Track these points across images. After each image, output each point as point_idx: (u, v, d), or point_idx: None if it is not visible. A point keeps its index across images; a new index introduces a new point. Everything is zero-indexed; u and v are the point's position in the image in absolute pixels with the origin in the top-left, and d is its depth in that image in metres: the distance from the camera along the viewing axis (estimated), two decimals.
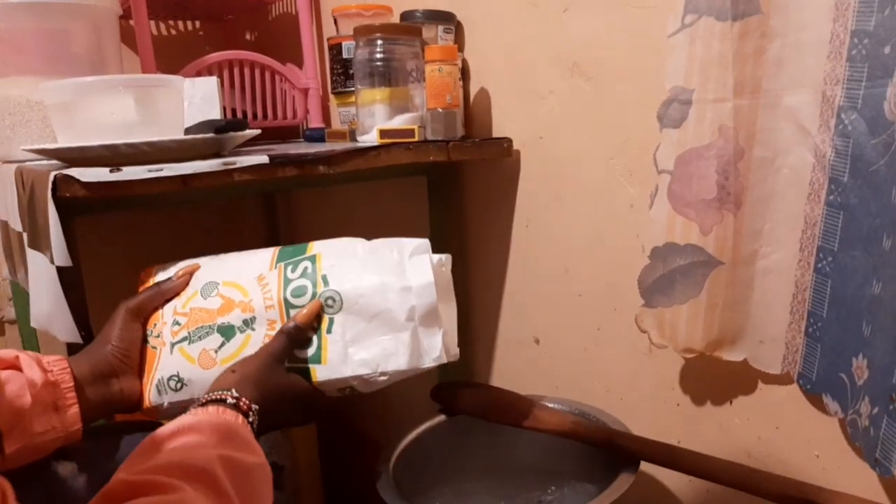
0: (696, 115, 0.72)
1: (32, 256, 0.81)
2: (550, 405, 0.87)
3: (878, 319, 0.60)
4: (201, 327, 0.69)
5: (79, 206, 0.77)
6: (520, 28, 0.99)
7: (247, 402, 0.59)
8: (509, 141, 1.01)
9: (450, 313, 0.74)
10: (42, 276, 0.77)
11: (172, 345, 0.70)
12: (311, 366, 0.68)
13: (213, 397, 0.59)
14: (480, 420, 0.86)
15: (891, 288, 0.58)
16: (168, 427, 0.53)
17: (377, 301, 0.68)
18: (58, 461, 0.66)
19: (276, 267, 0.71)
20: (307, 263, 0.70)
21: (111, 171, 0.73)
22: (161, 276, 0.75)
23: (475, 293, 1.18)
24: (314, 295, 0.68)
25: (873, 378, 0.61)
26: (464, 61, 1.08)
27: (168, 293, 0.73)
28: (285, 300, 0.68)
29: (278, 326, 0.68)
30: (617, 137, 0.88)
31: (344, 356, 0.67)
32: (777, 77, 0.68)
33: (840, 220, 0.66)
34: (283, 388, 0.65)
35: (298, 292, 0.69)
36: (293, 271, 0.70)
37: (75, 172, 0.71)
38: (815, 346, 0.71)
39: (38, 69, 1.06)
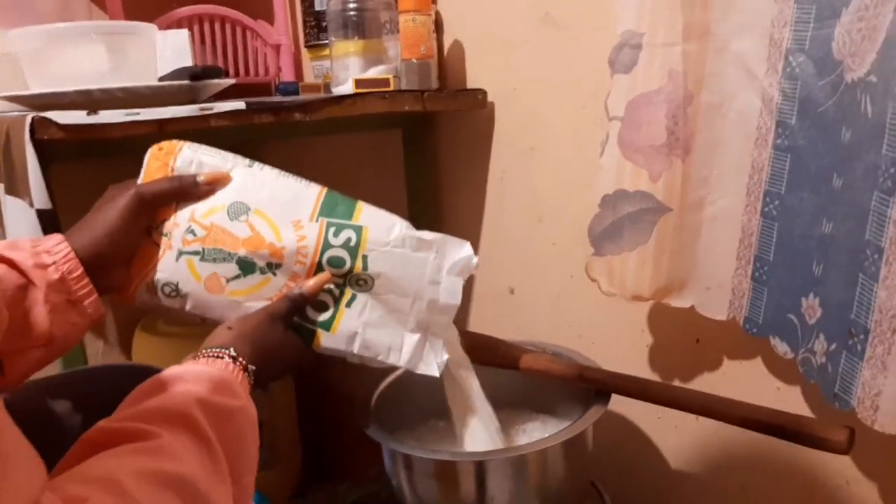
0: (646, 60, 0.73)
1: (10, 204, 0.80)
2: (527, 347, 0.89)
3: (831, 257, 0.63)
4: (220, 250, 0.65)
5: (55, 152, 0.76)
6: None
7: (244, 361, 0.58)
8: (483, 92, 1.02)
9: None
10: (20, 221, 0.77)
11: (181, 252, 0.66)
12: (319, 329, 0.68)
13: (210, 354, 0.58)
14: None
15: (844, 226, 0.61)
16: (155, 377, 0.53)
17: (403, 302, 0.69)
18: (54, 399, 0.66)
19: (317, 220, 0.67)
20: (351, 234, 0.67)
21: (88, 115, 0.73)
22: (182, 166, 0.67)
23: None
24: (351, 270, 0.67)
25: (828, 315, 0.64)
26: (437, 13, 1.08)
27: (189, 195, 0.66)
28: (319, 264, 0.67)
29: (300, 283, 0.66)
30: (589, 86, 0.90)
31: (353, 334, 0.68)
32: (725, 21, 0.69)
33: (787, 163, 0.67)
34: (278, 346, 0.64)
35: (336, 263, 0.67)
36: (335, 236, 0.67)
37: (53, 115, 0.71)
38: (762, 289, 0.73)
39: (3, 20, 1.04)
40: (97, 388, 0.67)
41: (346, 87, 1.01)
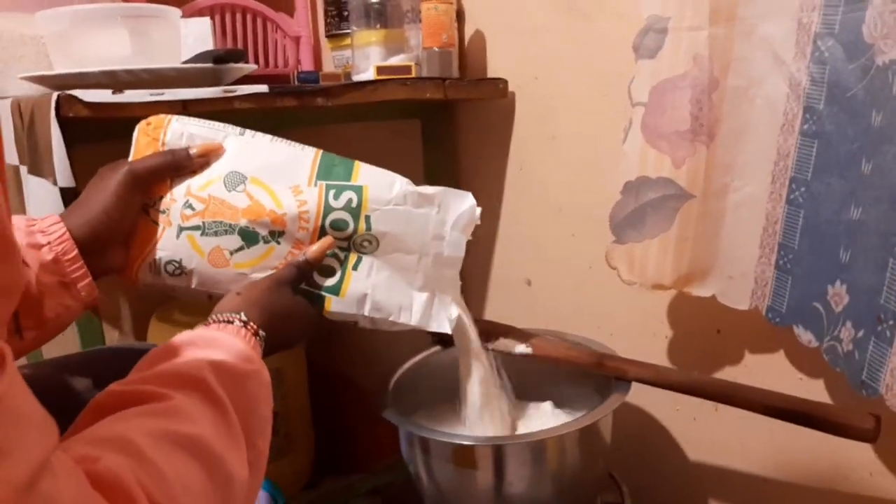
0: (672, 45, 0.72)
1: (33, 184, 0.81)
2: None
3: (860, 243, 0.62)
4: (220, 222, 0.65)
5: (79, 133, 0.77)
6: None
7: (254, 326, 0.58)
8: (504, 81, 1.02)
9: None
10: (44, 201, 0.78)
11: (181, 228, 0.65)
12: (327, 295, 0.67)
13: (220, 318, 0.57)
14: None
15: (873, 210, 0.60)
16: (167, 343, 0.53)
17: (409, 259, 0.69)
18: (73, 376, 0.65)
19: (316, 183, 0.66)
20: (352, 195, 0.66)
21: (113, 93, 0.73)
22: (172, 140, 0.66)
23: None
24: (354, 232, 0.67)
25: (855, 302, 0.63)
26: (458, 2, 1.08)
27: (183, 169, 0.65)
28: (322, 228, 0.66)
29: (305, 249, 0.66)
30: (611, 73, 0.90)
31: (363, 296, 0.68)
32: (753, 4, 0.69)
33: (814, 149, 0.67)
34: (288, 311, 0.63)
35: (339, 225, 0.66)
36: (336, 198, 0.66)
37: (79, 93, 0.72)
38: (786, 278, 0.72)
39: (27, 4, 1.05)
40: (114, 368, 0.67)
41: (367, 75, 1.01)
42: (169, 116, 0.68)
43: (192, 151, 0.65)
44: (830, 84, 0.64)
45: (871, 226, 0.60)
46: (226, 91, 0.79)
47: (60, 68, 0.88)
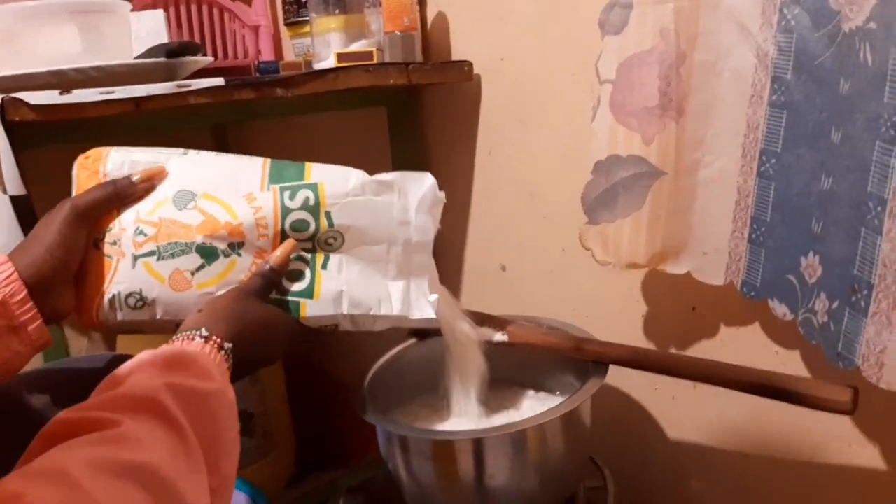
0: (638, 19, 0.71)
1: None
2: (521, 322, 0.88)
3: (832, 213, 0.61)
4: (175, 243, 0.62)
5: (27, 137, 0.74)
6: None
7: (218, 339, 0.55)
8: (469, 64, 1.00)
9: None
10: None
11: (136, 257, 0.63)
12: (301, 300, 0.65)
13: (182, 338, 0.55)
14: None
15: (844, 180, 0.59)
16: (125, 364, 0.50)
17: (378, 250, 0.68)
18: (31, 393, 0.63)
19: (268, 188, 0.65)
20: (308, 193, 0.65)
21: (61, 94, 0.70)
22: (114, 170, 0.64)
23: (440, 222, 1.18)
24: (317, 230, 0.65)
25: (829, 273, 0.63)
26: None
27: (127, 198, 0.63)
28: (282, 232, 0.64)
29: (268, 257, 0.64)
30: (578, 52, 0.88)
31: (338, 294, 0.65)
32: None
33: (783, 120, 0.66)
34: (259, 322, 0.61)
35: (299, 226, 0.64)
36: (292, 198, 0.64)
37: (24, 95, 0.68)
38: (759, 251, 0.72)
39: None
40: (79, 380, 0.64)
41: (328, 63, 0.98)
42: (108, 148, 0.66)
43: (135, 178, 0.63)
44: (798, 53, 0.63)
45: (843, 195, 0.60)
46: (179, 86, 0.77)
47: (6, 69, 0.84)
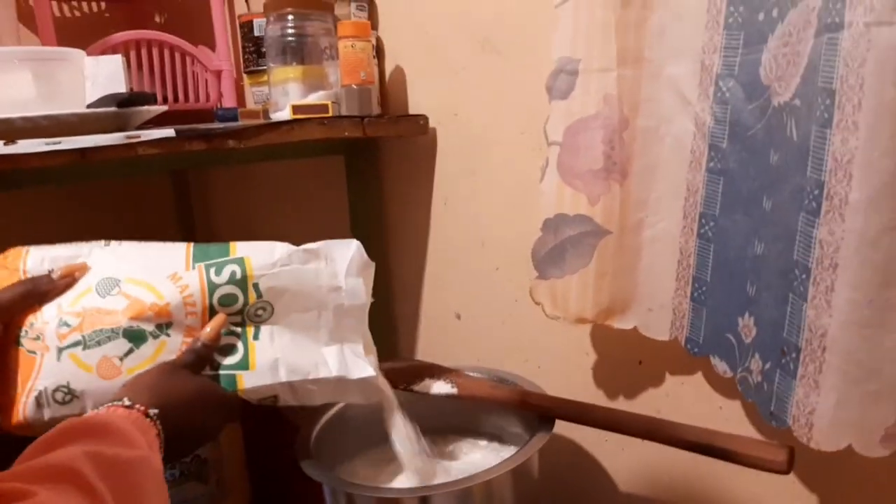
0: (583, 86, 0.73)
1: None
2: (470, 373, 0.88)
3: (764, 277, 0.63)
4: (100, 331, 0.61)
5: None
6: (431, 4, 1.00)
7: (142, 407, 0.54)
8: (425, 118, 1.02)
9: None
10: None
11: (60, 350, 0.60)
12: (237, 372, 0.64)
13: (103, 408, 0.54)
14: (402, 392, 0.86)
15: (774, 247, 0.61)
16: (48, 433, 0.49)
17: (308, 317, 0.67)
18: None
19: (193, 267, 0.64)
20: (234, 267, 0.64)
21: (5, 144, 0.70)
22: (34, 267, 0.64)
23: (395, 272, 1.19)
24: (245, 303, 0.64)
25: (762, 335, 0.65)
26: (378, 39, 1.08)
27: (47, 294, 0.62)
28: (211, 307, 0.63)
29: (198, 334, 0.63)
30: (527, 111, 0.91)
31: (273, 361, 0.65)
32: (659, 47, 0.70)
33: (720, 186, 0.68)
34: (191, 394, 0.59)
35: (228, 301, 0.64)
36: (217, 274, 0.64)
37: None
38: (701, 309, 0.73)
39: None
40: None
41: (284, 114, 0.99)
42: (26, 247, 0.65)
43: (55, 275, 0.63)
44: (732, 123, 0.66)
45: (773, 261, 0.62)
46: (129, 137, 0.77)
47: None
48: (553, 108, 0.76)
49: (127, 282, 0.63)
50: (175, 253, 0.66)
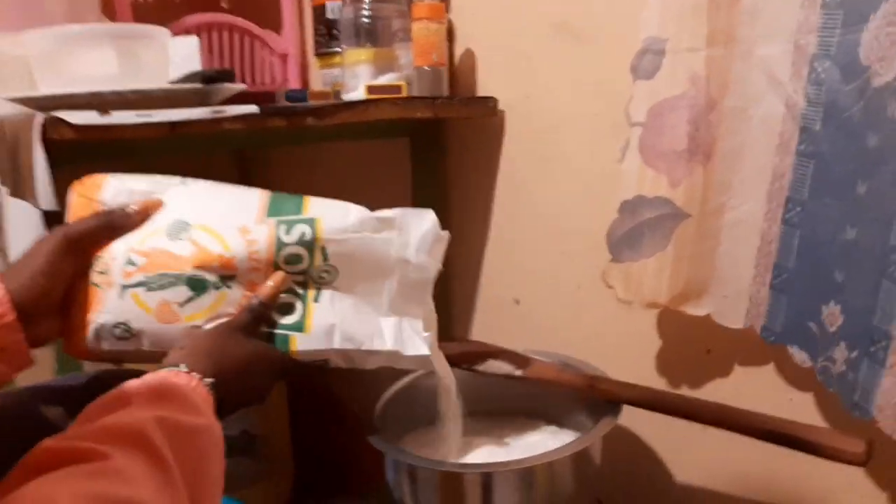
0: (669, 66, 0.73)
1: (14, 206, 0.79)
2: (536, 357, 0.88)
3: (854, 264, 0.62)
4: (164, 274, 0.61)
5: (64, 154, 0.76)
6: None
7: (198, 375, 0.54)
8: (494, 100, 1.02)
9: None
10: (25, 224, 0.76)
11: (124, 287, 0.60)
12: (290, 333, 0.63)
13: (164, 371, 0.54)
14: (464, 371, 0.87)
15: (868, 231, 0.60)
16: (111, 392, 0.49)
17: (374, 286, 0.67)
18: (46, 405, 0.63)
19: (265, 221, 0.63)
20: (305, 228, 0.63)
21: (100, 115, 0.72)
22: (110, 199, 0.63)
23: (455, 254, 1.19)
24: (311, 265, 0.63)
25: (850, 323, 0.63)
26: (449, 22, 1.08)
27: (121, 230, 0.62)
28: (276, 265, 0.63)
29: (257, 291, 0.63)
30: (602, 94, 0.90)
31: (330, 327, 0.64)
32: (751, 26, 0.69)
33: (810, 169, 0.67)
34: (245, 358, 0.59)
35: (293, 260, 0.63)
36: (287, 233, 0.63)
37: (65, 115, 0.70)
38: (781, 297, 0.72)
39: (12, 26, 1.04)
40: (92, 393, 0.65)
41: (357, 94, 1.01)
42: (105, 175, 0.65)
43: (130, 209, 0.63)
44: (827, 105, 0.65)
45: (866, 247, 0.61)
46: (215, 112, 0.79)
47: (46, 89, 0.87)
48: (637, 89, 0.76)
49: (197, 228, 0.62)
50: (249, 202, 0.65)
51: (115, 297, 0.61)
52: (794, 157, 0.68)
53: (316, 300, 0.64)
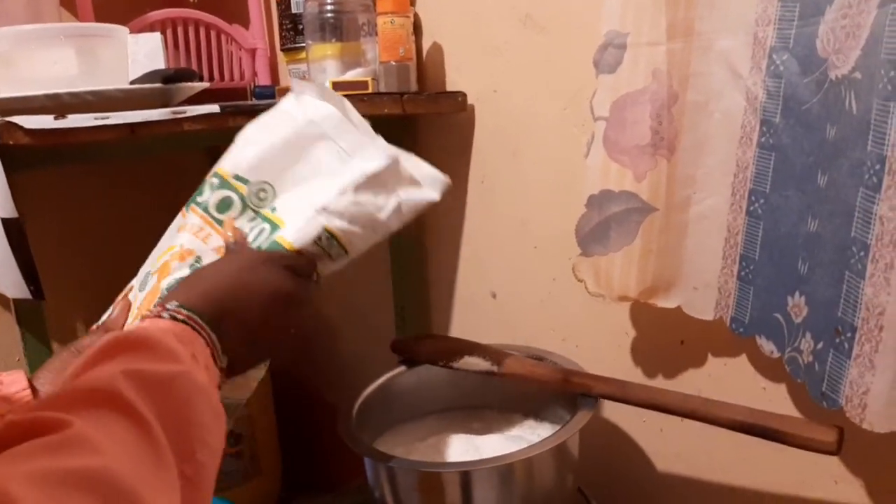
0: (631, 60, 0.72)
1: None
2: (511, 352, 0.88)
3: (817, 256, 0.62)
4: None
5: (20, 159, 0.74)
6: None
7: (184, 312, 0.49)
8: (464, 95, 1.01)
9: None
10: None
11: None
12: (274, 236, 0.61)
13: (151, 313, 0.50)
14: (441, 368, 0.87)
15: (829, 223, 0.60)
16: (85, 354, 0.45)
17: (309, 166, 0.64)
18: None
19: (187, 210, 0.65)
20: (213, 179, 0.64)
21: (55, 119, 0.71)
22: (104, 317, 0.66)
23: (431, 250, 1.19)
24: (241, 197, 0.63)
25: (814, 314, 0.63)
26: (415, 16, 1.07)
27: (115, 327, 0.63)
28: (216, 220, 0.63)
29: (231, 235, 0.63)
30: (570, 87, 0.89)
31: (298, 204, 0.62)
32: (709, 19, 0.69)
33: (772, 162, 0.67)
34: (264, 294, 0.54)
35: (225, 205, 0.63)
36: (201, 195, 0.64)
37: (19, 119, 0.69)
38: (748, 289, 0.72)
39: None
40: None
41: None
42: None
43: (114, 313, 0.64)
44: (786, 97, 0.64)
45: (828, 239, 0.60)
46: (175, 112, 0.77)
47: (2, 91, 0.85)
48: (600, 83, 0.75)
49: (153, 263, 0.64)
50: (177, 216, 0.67)
51: None
52: (755, 150, 0.67)
53: (274, 210, 0.63)
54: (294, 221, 0.61)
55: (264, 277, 0.55)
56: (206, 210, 0.63)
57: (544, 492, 0.77)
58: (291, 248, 0.60)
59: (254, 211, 0.63)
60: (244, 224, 0.63)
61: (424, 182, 0.67)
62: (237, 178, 0.63)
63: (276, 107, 0.67)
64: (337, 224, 0.61)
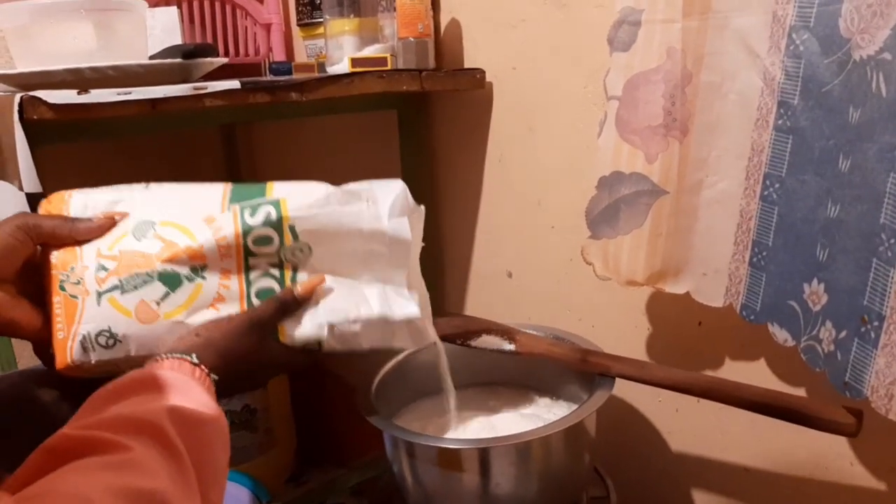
0: (645, 37, 0.71)
1: None
2: (528, 331, 0.88)
3: (839, 242, 0.61)
4: (136, 275, 0.61)
5: (43, 134, 0.74)
6: None
7: (205, 369, 0.55)
8: (482, 72, 1.01)
9: (418, 272, 0.71)
10: (8, 206, 0.75)
11: (100, 294, 0.60)
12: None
13: (173, 357, 0.55)
14: (458, 346, 0.87)
15: (854, 209, 0.59)
16: (119, 380, 0.50)
17: (350, 260, 0.65)
18: (39, 389, 0.64)
19: (228, 209, 0.63)
20: (270, 209, 0.62)
21: (79, 94, 0.70)
22: (76, 213, 0.63)
23: (446, 229, 1.19)
24: (281, 245, 0.62)
25: (836, 302, 0.62)
26: None
27: (82, 233, 0.61)
28: (245, 248, 0.62)
29: (234, 278, 0.62)
30: (590, 65, 0.89)
31: (314, 306, 0.63)
32: None
33: (789, 145, 0.65)
34: (254, 357, 0.60)
35: (262, 242, 0.62)
36: (252, 216, 0.62)
37: (43, 94, 0.69)
38: (760, 275, 0.71)
39: None
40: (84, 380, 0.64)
41: (341, 67, 0.99)
42: (69, 191, 0.64)
43: (96, 216, 0.62)
44: (805, 79, 0.63)
45: (852, 225, 0.59)
46: (196, 88, 0.77)
47: (23, 65, 0.85)
48: (613, 61, 0.74)
49: (162, 225, 0.62)
50: (212, 194, 0.65)
51: (94, 306, 0.61)
52: (771, 133, 0.66)
53: (293, 280, 0.64)
54: (300, 316, 0.64)
55: (267, 374, 0.65)
56: (245, 233, 0.62)
57: (561, 469, 0.78)
58: (285, 337, 0.63)
59: (280, 265, 0.64)
60: (264, 276, 0.64)
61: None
62: (292, 229, 0.63)
63: (374, 189, 0.66)
64: (331, 345, 0.64)
